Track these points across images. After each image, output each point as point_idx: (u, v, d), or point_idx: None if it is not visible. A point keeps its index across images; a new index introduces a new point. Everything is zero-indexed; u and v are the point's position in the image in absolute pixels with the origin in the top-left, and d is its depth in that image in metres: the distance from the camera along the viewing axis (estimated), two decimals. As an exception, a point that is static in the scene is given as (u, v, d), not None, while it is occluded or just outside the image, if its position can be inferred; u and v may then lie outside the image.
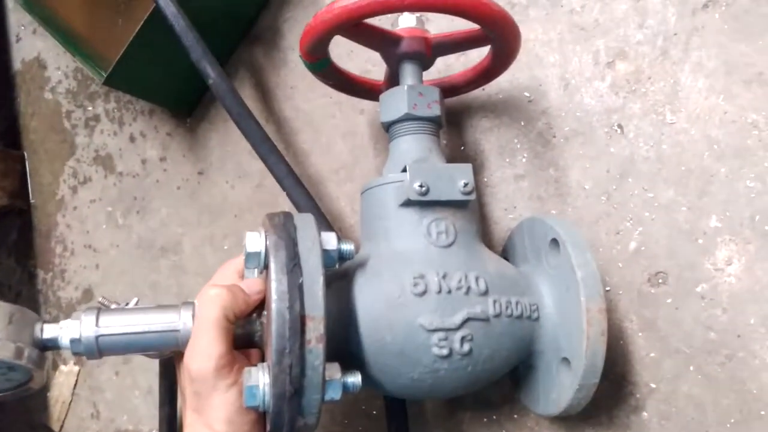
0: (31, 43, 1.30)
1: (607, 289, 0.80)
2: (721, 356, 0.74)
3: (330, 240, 0.61)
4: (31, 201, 1.26)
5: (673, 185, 0.78)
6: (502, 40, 0.74)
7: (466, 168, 0.69)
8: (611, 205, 0.81)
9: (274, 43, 1.03)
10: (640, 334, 0.78)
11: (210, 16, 0.96)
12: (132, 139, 1.15)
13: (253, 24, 1.05)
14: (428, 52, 0.77)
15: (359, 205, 0.77)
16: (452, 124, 0.90)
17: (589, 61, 0.84)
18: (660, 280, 0.78)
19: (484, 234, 0.86)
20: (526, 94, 0.87)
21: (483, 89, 0.88)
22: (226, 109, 0.83)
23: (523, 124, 0.86)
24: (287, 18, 1.03)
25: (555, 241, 0.70)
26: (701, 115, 0.78)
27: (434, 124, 0.76)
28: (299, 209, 0.81)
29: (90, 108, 1.20)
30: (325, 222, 0.82)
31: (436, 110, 0.75)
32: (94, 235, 1.17)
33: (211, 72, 0.82)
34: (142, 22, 0.91)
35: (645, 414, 0.77)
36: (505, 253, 0.82)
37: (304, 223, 0.60)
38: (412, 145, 0.75)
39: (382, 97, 0.77)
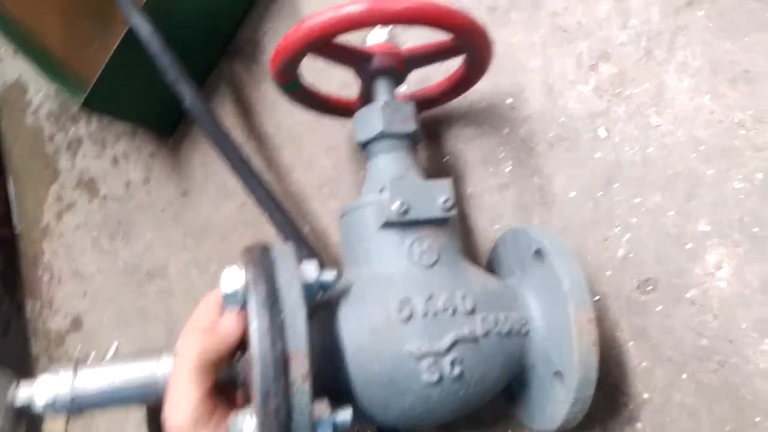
0: (12, 65, 1.36)
1: (597, 298, 0.84)
2: (714, 363, 0.78)
3: (310, 271, 0.61)
4: (16, 227, 1.32)
5: (660, 189, 0.82)
6: (473, 49, 0.77)
7: (446, 184, 0.72)
8: (598, 211, 0.85)
9: (254, 56, 1.08)
10: (631, 343, 0.82)
11: (187, 31, 1.01)
12: (115, 161, 1.21)
13: (232, 38, 1.10)
14: (400, 66, 0.80)
15: (339, 228, 0.79)
16: (434, 135, 0.94)
17: (572, 64, 0.88)
18: (650, 287, 0.82)
19: (470, 246, 0.91)
20: (509, 100, 0.91)
21: (465, 97, 0.93)
22: (204, 133, 0.88)
23: (506, 131, 0.91)
24: (266, 30, 1.08)
25: (539, 252, 0.72)
26: (687, 116, 0.82)
27: (411, 140, 0.79)
28: (280, 232, 0.86)
29: (72, 130, 1.26)
30: (307, 247, 0.85)
31: (411, 126, 0.78)
32: (81, 261, 1.23)
33: (186, 94, 0.87)
34: (117, 43, 0.96)
35: (639, 425, 0.80)
36: (490, 266, 0.85)
37: (283, 255, 0.61)
38: (389, 164, 0.77)
39: (356, 116, 0.80)
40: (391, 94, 0.81)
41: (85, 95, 0.99)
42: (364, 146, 0.80)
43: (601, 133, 0.86)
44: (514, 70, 0.91)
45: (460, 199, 0.91)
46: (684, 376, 0.79)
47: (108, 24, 1.05)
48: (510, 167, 0.90)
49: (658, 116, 0.83)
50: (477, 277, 0.74)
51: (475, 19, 0.73)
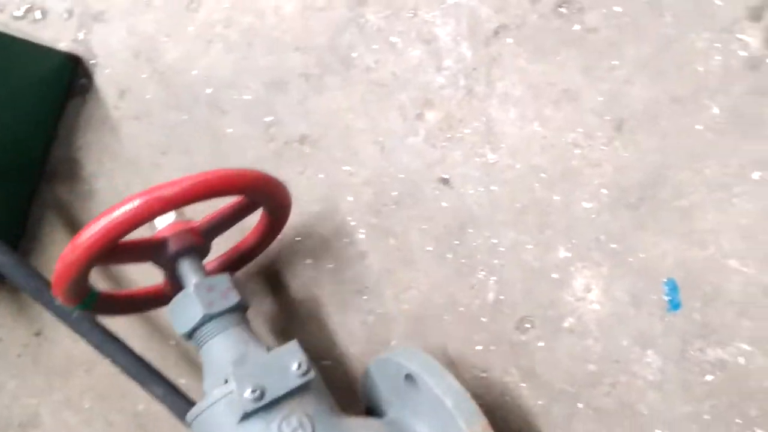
0: None
1: (479, 347, 0.80)
2: (605, 386, 0.76)
3: None
4: None
5: (512, 225, 0.80)
6: (269, 198, 0.75)
7: (294, 347, 0.67)
8: (459, 260, 0.82)
9: (75, 174, 1.00)
10: (522, 385, 0.79)
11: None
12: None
13: (45, 161, 1.01)
14: (200, 241, 0.75)
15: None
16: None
17: (398, 118, 0.85)
18: (527, 325, 0.79)
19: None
20: (346, 168, 0.87)
21: (302, 171, 0.88)
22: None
23: (351, 199, 0.86)
24: (80, 146, 1.00)
25: (410, 377, 0.69)
26: (521, 147, 0.80)
27: (239, 312, 0.73)
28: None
29: None
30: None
31: (234, 297, 0.72)
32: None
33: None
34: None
35: (549, 464, 0.78)
36: (367, 399, 0.80)
37: None
38: (224, 347, 0.69)
39: (170, 307, 0.73)
40: (199, 272, 0.74)
41: None
42: (190, 336, 0.72)
43: (442, 181, 0.82)
44: (343, 136, 0.87)
45: (322, 275, 0.86)
46: (580, 405, 0.78)
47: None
48: (363, 234, 0.85)
49: (493, 152, 0.81)
50: (359, 429, 0.70)
51: (261, 172, 0.72)
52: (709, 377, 0.74)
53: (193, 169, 0.94)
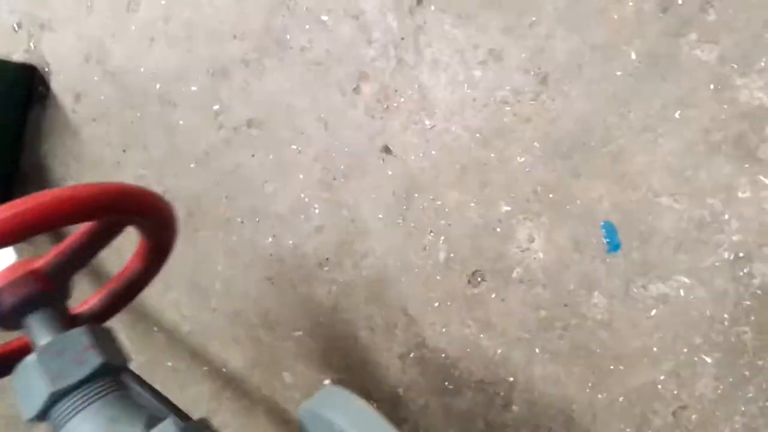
0: None
1: (436, 304, 0.83)
2: (558, 329, 0.79)
3: None
4: None
5: (454, 186, 0.81)
6: (135, 218, 0.58)
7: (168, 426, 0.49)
8: (409, 224, 0.84)
9: (45, 178, 1.02)
10: (481, 335, 0.82)
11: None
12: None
13: (17, 168, 1.03)
14: (48, 285, 0.57)
15: None
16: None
17: (337, 93, 0.86)
18: (479, 279, 0.81)
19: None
20: (294, 146, 0.88)
21: (253, 156, 0.89)
22: None
23: (302, 177, 0.88)
24: (46, 151, 1.02)
25: None
26: (455, 110, 0.81)
27: (105, 377, 0.53)
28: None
29: None
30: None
31: (95, 358, 0.52)
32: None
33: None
34: None
35: (515, 407, 0.81)
36: None
37: None
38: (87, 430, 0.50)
39: (11, 382, 0.53)
40: (48, 330, 0.56)
41: None
42: (42, 419, 0.52)
43: (385, 150, 0.84)
44: (287, 117, 0.88)
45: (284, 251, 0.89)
46: (537, 350, 0.80)
47: None
48: (317, 209, 0.88)
49: (429, 118, 0.82)
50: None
51: (122, 186, 0.56)
52: (653, 312, 0.76)
53: (152, 164, 0.97)
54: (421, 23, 0.82)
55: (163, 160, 0.93)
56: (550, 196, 0.78)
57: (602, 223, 0.76)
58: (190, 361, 0.98)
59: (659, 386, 0.75)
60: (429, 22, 0.82)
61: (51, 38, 1.00)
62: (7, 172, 1.04)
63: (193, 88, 0.92)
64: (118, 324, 1.00)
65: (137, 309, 1.00)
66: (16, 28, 1.02)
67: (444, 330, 0.83)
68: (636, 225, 0.75)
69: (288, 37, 0.87)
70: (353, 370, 0.88)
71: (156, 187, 0.95)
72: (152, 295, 0.98)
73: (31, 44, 1.01)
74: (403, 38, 0.83)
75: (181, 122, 0.93)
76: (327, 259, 0.88)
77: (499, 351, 0.81)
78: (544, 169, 0.78)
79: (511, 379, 0.81)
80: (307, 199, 0.88)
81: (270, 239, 0.90)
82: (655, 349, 0.75)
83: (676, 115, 0.72)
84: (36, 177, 1.03)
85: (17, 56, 1.02)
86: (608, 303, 0.77)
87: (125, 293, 0.69)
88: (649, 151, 0.74)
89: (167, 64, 0.93)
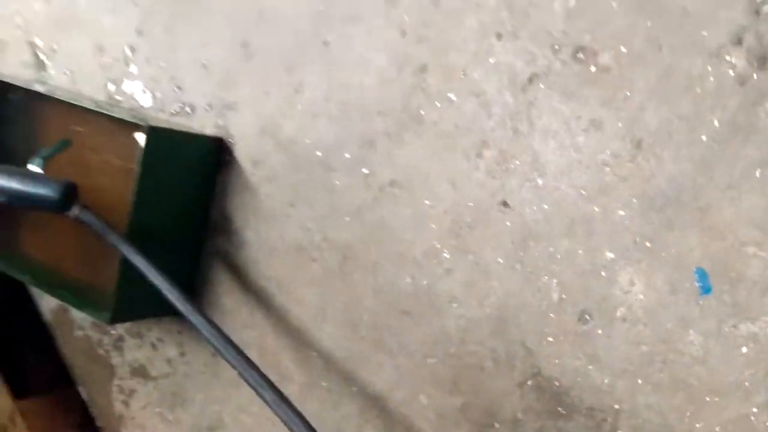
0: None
1: (550, 339, 0.96)
2: (658, 363, 0.88)
3: None
4: (98, 425, 1.51)
5: (565, 236, 0.94)
6: None
7: None
8: (525, 269, 0.97)
9: (229, 228, 1.25)
10: (590, 367, 0.93)
11: (168, 228, 1.19)
12: (154, 346, 1.38)
13: (207, 220, 1.28)
14: None
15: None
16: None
17: (462, 158, 1.02)
18: (587, 317, 0.93)
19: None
20: (427, 202, 1.05)
21: (395, 210, 1.07)
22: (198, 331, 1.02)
23: (434, 227, 1.05)
24: (230, 207, 1.25)
25: None
26: (563, 170, 0.94)
27: None
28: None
29: (113, 331, 1.45)
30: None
31: None
32: (156, 433, 1.40)
33: (175, 301, 1.03)
34: (120, 266, 1.14)
35: (621, 432, 0.92)
36: None
37: None
38: None
39: None
40: None
41: (109, 315, 1.17)
42: None
43: (503, 205, 0.99)
44: (423, 178, 1.05)
45: None
46: (639, 381, 0.90)
47: (107, 247, 1.22)
48: (447, 255, 1.04)
49: (541, 178, 0.96)
50: None
51: None
52: (744, 349, 0.85)
53: (315, 218, 1.17)
54: (532, 99, 0.97)
55: (324, 214, 1.13)
56: (648, 245, 0.89)
57: (695, 269, 0.86)
58: (342, 383, 1.16)
59: (752, 418, 0.83)
60: (539, 98, 0.96)
61: (234, 116, 1.24)
62: (201, 220, 1.28)
63: (347, 156, 1.12)
64: (285, 351, 1.20)
65: (300, 337, 1.20)
66: (208, 109, 1.27)
67: (557, 361, 0.95)
68: (725, 271, 0.84)
69: (422, 113, 1.04)
70: (479, 394, 1.02)
71: (317, 236, 1.15)
72: (312, 327, 1.18)
73: (220, 121, 1.26)
74: (517, 112, 0.98)
75: (337, 183, 1.13)
76: (455, 297, 1.03)
77: (606, 381, 0.92)
78: (641, 221, 0.89)
79: (617, 406, 0.91)
80: (438, 246, 1.04)
81: (408, 280, 1.07)
82: (747, 383, 0.83)
83: (757, 174, 0.81)
84: (222, 226, 1.26)
85: (208, 130, 1.27)
86: (703, 340, 0.86)
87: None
88: (735, 206, 0.83)
89: (327, 136, 1.14)
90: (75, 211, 1.09)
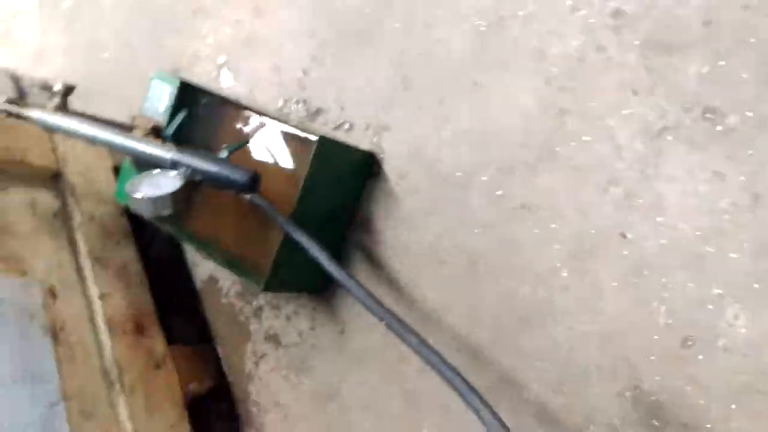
0: (205, 265, 1.67)
1: (653, 358, 0.98)
2: (755, 393, 0.89)
3: None
4: (229, 380, 1.59)
5: (678, 268, 0.96)
6: None
7: None
8: (637, 294, 1.00)
9: (370, 227, 1.32)
10: (687, 387, 0.94)
11: (324, 218, 1.28)
12: (288, 318, 1.46)
13: (353, 218, 1.35)
14: None
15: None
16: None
17: (592, 191, 1.06)
18: (689, 343, 0.95)
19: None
20: (553, 225, 1.09)
21: (527, 230, 1.12)
22: (354, 297, 1.08)
23: (557, 247, 1.09)
24: (374, 211, 1.32)
25: None
26: (683, 213, 0.97)
27: None
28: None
29: (254, 302, 1.53)
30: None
31: None
32: (278, 395, 1.47)
33: (335, 273, 1.10)
34: (280, 241, 1.23)
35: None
36: None
37: None
38: None
39: None
40: None
41: (263, 282, 1.25)
42: None
43: (623, 236, 1.02)
44: (553, 205, 1.09)
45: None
46: (734, 406, 0.91)
47: (269, 224, 1.29)
48: (566, 273, 1.07)
49: (661, 216, 0.98)
50: None
51: None
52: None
53: (449, 228, 1.22)
54: (661, 148, 0.99)
55: (457, 225, 1.19)
56: (756, 286, 0.90)
57: (799, 313, 0.87)
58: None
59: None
60: (667, 147, 0.99)
61: (388, 135, 1.32)
62: (348, 218, 1.35)
63: (484, 178, 1.17)
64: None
65: (421, 328, 1.24)
66: (365, 127, 1.35)
67: (657, 378, 0.97)
68: (829, 318, 0.85)
69: (558, 149, 1.09)
70: (583, 398, 1.04)
71: (448, 243, 1.20)
72: (433, 320, 1.22)
73: (375, 139, 1.34)
74: (646, 156, 1.01)
75: (473, 200, 1.18)
76: (569, 311, 1.06)
77: (701, 402, 0.93)
78: (751, 264, 0.90)
79: (709, 426, 0.92)
80: (558, 265, 1.07)
81: (528, 290, 1.11)
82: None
83: None
84: (365, 224, 1.33)
85: (363, 145, 1.35)
86: (800, 377, 0.86)
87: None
88: None
89: (467, 160, 1.19)
90: (255, 196, 1.18)
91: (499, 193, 1.14)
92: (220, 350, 1.61)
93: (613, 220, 1.02)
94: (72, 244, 1.57)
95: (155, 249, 1.72)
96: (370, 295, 1.05)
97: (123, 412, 1.41)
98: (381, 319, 1.01)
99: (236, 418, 1.57)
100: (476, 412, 0.84)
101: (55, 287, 1.47)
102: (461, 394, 0.88)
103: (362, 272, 1.30)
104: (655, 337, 0.96)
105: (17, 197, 1.54)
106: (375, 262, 1.31)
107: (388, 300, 1.26)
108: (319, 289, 1.39)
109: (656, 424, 0.95)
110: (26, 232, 1.50)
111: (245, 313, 1.57)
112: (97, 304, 1.49)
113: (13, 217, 1.50)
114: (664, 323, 0.96)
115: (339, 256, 1.35)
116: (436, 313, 1.21)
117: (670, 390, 0.94)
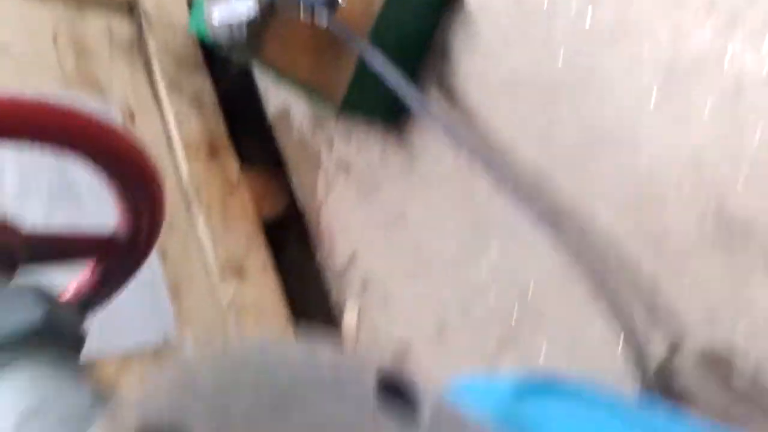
0: (277, 94, 1.57)
1: (741, 181, 0.88)
2: None
3: None
4: (301, 204, 1.55)
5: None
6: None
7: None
8: (734, 119, 0.89)
9: (448, 56, 1.20)
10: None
11: (402, 44, 1.16)
12: (359, 148, 1.38)
13: (430, 44, 1.22)
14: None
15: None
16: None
17: (690, 15, 0.91)
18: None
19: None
20: (646, 45, 0.96)
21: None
22: (428, 123, 0.99)
23: (649, 68, 0.96)
24: (457, 38, 1.18)
25: None
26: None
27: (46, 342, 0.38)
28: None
29: (326, 132, 1.45)
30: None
31: (29, 316, 0.38)
32: (347, 220, 1.43)
33: (412, 99, 1.00)
34: (355, 65, 1.12)
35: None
36: None
37: None
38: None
39: None
40: None
41: (340, 102, 1.16)
42: None
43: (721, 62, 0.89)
44: (648, 29, 0.95)
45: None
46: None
47: (344, 50, 1.18)
48: (657, 95, 0.95)
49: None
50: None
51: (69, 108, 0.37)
52: None
53: (530, 60, 1.09)
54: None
55: (538, 56, 1.06)
56: None
57: None
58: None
59: None
60: None
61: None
62: (424, 45, 1.22)
63: (572, 6, 1.02)
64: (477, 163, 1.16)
65: (494, 160, 1.15)
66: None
67: (743, 201, 0.88)
68: None
69: None
70: (659, 217, 0.96)
71: (528, 74, 1.08)
72: (508, 149, 1.13)
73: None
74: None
75: (558, 32, 1.04)
76: (658, 133, 0.96)
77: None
78: None
79: None
80: (648, 90, 0.96)
81: (612, 112, 1.00)
82: None
83: None
84: (441, 52, 1.20)
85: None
86: None
87: (116, 268, 0.48)
88: None
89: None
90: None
91: (588, 21, 0.99)
92: (293, 177, 1.56)
93: (714, 45, 0.88)
94: (148, 71, 1.48)
95: (228, 82, 1.62)
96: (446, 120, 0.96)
97: (201, 228, 1.39)
98: (459, 145, 0.93)
99: (308, 241, 1.55)
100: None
101: (133, 109, 1.40)
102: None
103: (436, 102, 1.19)
104: (746, 164, 0.86)
105: (94, 22, 1.42)
106: (449, 91, 1.20)
107: (462, 131, 1.17)
108: (390, 119, 1.29)
109: (736, 246, 0.88)
110: (104, 57, 1.41)
111: (317, 143, 1.49)
112: (174, 127, 1.42)
113: (91, 41, 1.39)
114: (758, 142, 0.85)
115: (414, 85, 1.23)
116: (512, 142, 1.11)
117: (757, 211, 0.85)
